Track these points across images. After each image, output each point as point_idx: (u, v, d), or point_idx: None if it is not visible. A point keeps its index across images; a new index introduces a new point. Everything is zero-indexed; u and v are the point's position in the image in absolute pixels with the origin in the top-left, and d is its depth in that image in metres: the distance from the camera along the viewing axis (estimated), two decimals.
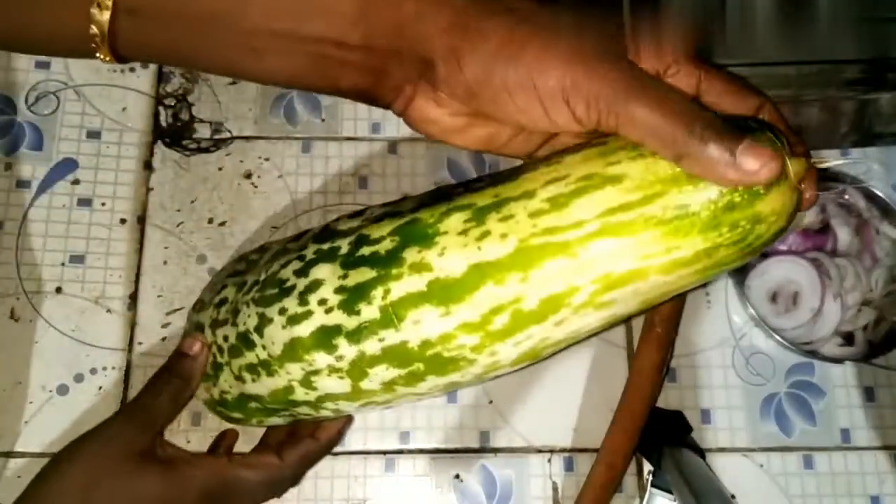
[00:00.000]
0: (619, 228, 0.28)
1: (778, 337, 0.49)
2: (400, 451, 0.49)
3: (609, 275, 0.29)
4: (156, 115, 0.55)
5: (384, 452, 0.49)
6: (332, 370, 0.35)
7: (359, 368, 0.34)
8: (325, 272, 0.34)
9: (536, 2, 0.29)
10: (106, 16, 0.29)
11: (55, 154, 0.53)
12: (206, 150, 0.54)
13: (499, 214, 0.30)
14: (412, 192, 0.54)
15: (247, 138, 0.55)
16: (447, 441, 0.49)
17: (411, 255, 0.32)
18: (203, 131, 0.54)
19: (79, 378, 0.49)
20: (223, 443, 0.46)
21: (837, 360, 0.50)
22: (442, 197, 0.34)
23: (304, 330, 0.35)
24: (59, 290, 0.50)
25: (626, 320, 0.51)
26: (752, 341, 0.52)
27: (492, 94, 0.28)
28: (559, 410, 0.50)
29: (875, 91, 0.47)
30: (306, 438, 0.43)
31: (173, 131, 0.54)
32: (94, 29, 0.29)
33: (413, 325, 0.32)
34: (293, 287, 0.35)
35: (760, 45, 0.42)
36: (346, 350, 0.34)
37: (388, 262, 0.32)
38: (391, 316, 0.33)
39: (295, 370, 0.36)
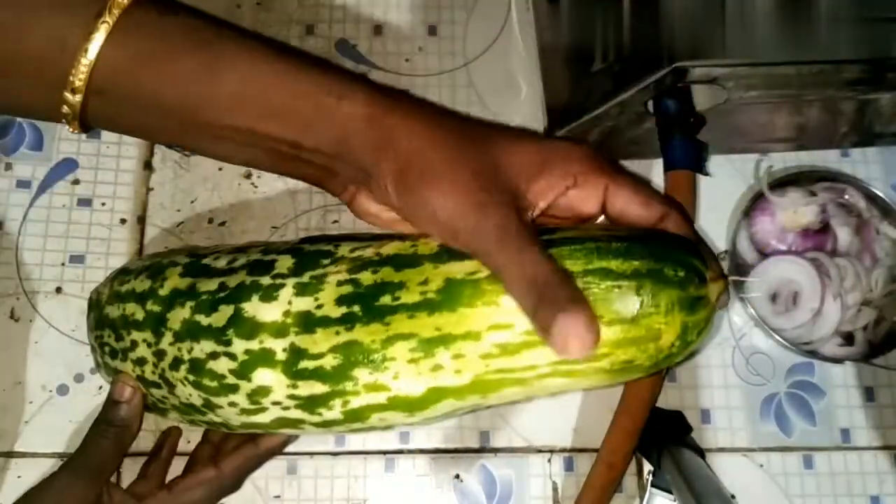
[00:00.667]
0: (571, 374, 0.31)
1: (778, 337, 0.49)
2: (400, 451, 0.49)
3: (564, 390, 0.33)
4: None
5: (384, 452, 0.49)
6: (302, 429, 0.36)
7: (328, 429, 0.35)
8: (270, 379, 0.34)
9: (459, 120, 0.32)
10: (78, 98, 0.31)
11: (55, 154, 0.53)
12: None
13: (448, 351, 0.31)
14: None
15: None
16: (447, 441, 0.49)
17: (363, 375, 0.32)
18: None
19: (79, 378, 0.49)
20: (168, 441, 0.47)
21: (837, 360, 0.50)
22: (362, 301, 0.32)
23: (264, 419, 0.35)
24: (59, 290, 0.50)
25: None
26: (752, 341, 0.52)
27: (408, 214, 0.31)
28: (559, 410, 0.50)
29: (875, 91, 0.47)
30: (247, 444, 0.42)
31: None
32: (66, 109, 0.31)
33: (379, 420, 0.33)
34: (236, 387, 0.34)
35: (760, 44, 0.42)
36: (313, 429, 0.35)
37: (338, 379, 0.32)
38: (356, 416, 0.33)
39: (261, 428, 0.37)
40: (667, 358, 0.31)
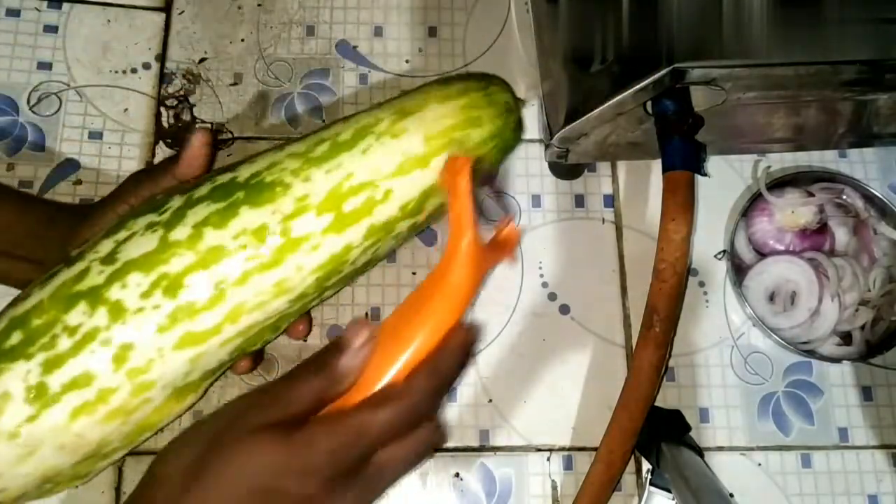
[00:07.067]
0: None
1: (776, 336, 0.49)
2: None
3: (403, 107, 0.42)
4: (157, 115, 0.55)
5: None
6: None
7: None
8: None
9: None
10: None
11: (57, 155, 0.53)
12: None
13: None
14: None
15: (248, 139, 0.55)
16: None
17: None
18: None
19: None
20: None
21: (835, 360, 0.50)
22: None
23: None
24: None
25: (625, 320, 0.52)
26: (751, 340, 0.52)
27: None
28: (558, 409, 0.50)
29: (872, 92, 0.47)
30: (432, 357, 0.34)
31: (175, 132, 0.55)
32: None
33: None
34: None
35: (758, 45, 0.42)
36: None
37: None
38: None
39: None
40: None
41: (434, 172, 0.41)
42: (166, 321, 0.35)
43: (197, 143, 0.41)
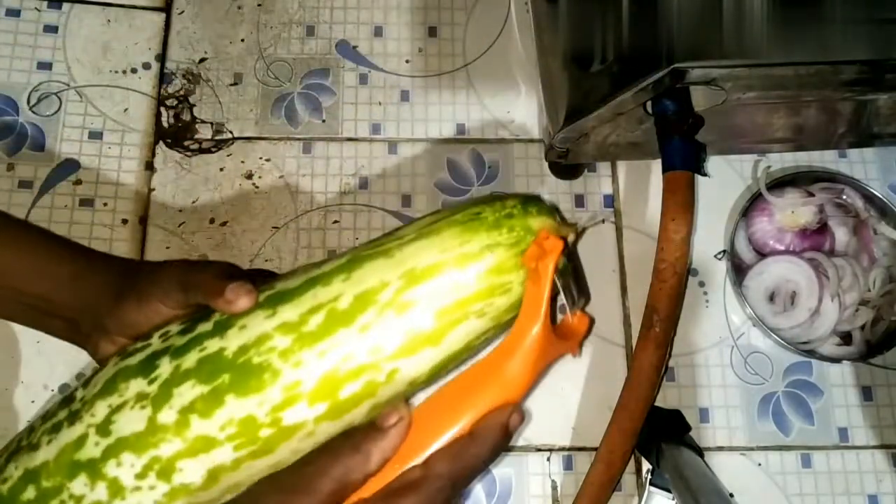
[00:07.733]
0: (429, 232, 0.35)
1: (776, 336, 0.49)
2: None
3: (413, 269, 0.34)
4: (157, 115, 0.55)
5: None
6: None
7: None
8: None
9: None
10: None
11: (57, 154, 0.53)
12: (208, 151, 0.54)
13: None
14: (412, 193, 0.54)
15: (248, 139, 0.55)
16: None
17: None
18: (204, 132, 0.55)
19: (80, 377, 0.49)
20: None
21: (835, 360, 0.50)
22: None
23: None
24: None
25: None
26: (751, 341, 0.52)
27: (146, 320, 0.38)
28: (559, 409, 0.50)
29: (872, 92, 0.47)
30: (462, 439, 0.33)
31: (175, 132, 0.55)
32: None
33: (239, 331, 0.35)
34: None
35: (758, 45, 0.42)
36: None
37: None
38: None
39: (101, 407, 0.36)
40: (507, 217, 0.36)
41: (449, 347, 0.35)
42: (164, 499, 0.35)
43: (243, 306, 0.35)
